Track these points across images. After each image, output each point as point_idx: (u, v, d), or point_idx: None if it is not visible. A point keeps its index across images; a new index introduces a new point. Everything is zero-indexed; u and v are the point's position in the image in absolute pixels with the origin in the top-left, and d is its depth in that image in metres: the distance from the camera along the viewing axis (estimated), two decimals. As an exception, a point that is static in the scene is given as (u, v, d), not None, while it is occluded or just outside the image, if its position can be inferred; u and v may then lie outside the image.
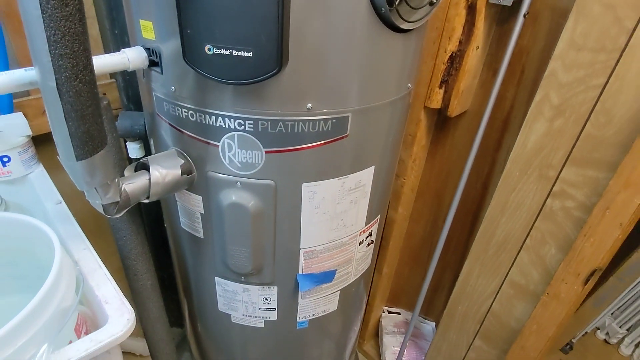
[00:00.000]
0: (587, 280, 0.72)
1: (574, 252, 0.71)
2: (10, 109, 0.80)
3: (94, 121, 0.49)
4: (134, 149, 0.81)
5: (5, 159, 0.75)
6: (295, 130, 0.57)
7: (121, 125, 0.77)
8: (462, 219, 1.06)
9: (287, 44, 0.48)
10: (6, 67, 0.79)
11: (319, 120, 0.57)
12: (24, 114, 0.88)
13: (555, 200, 0.73)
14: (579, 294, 0.75)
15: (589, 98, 0.64)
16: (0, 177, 0.76)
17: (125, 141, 0.82)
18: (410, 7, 0.53)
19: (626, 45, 0.58)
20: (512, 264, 0.84)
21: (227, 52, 0.48)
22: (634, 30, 0.57)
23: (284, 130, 0.57)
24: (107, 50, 0.90)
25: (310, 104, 0.55)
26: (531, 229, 0.78)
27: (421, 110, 0.88)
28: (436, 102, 0.85)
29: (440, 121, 0.96)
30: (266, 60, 0.48)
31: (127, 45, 0.82)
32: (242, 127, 0.57)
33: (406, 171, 0.99)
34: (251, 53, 0.48)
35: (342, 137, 0.60)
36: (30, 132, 0.78)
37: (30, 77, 0.50)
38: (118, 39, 0.79)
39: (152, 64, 0.58)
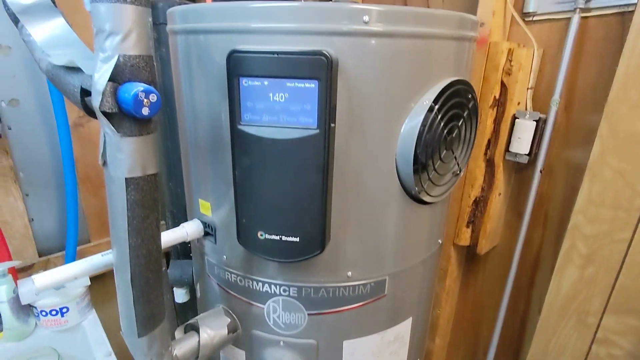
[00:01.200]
0: None
1: (632, 407, 0.67)
2: (74, 258, 0.89)
3: (157, 302, 0.54)
4: (180, 294, 0.86)
5: (64, 310, 0.81)
6: (337, 295, 0.61)
7: (172, 274, 0.83)
8: (504, 355, 1.02)
9: (329, 229, 0.55)
10: (76, 221, 0.89)
11: (359, 285, 0.61)
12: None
13: (600, 347, 0.71)
14: None
15: (617, 250, 0.66)
16: (57, 327, 0.81)
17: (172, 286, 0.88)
18: (436, 185, 0.60)
19: (643, 206, 0.62)
20: (566, 413, 0.78)
21: (277, 237, 0.54)
22: (647, 194, 0.61)
23: (325, 295, 0.61)
24: (163, 215, 1.00)
25: (350, 272, 0.60)
26: (580, 376, 0.75)
27: (451, 246, 0.92)
28: (465, 240, 0.89)
29: (470, 254, 0.98)
30: (311, 243, 0.54)
31: (182, 210, 0.93)
32: (287, 292, 0.61)
33: (441, 303, 1.00)
34: (298, 238, 0.54)
35: (380, 297, 0.64)
36: (89, 282, 0.84)
37: (105, 262, 0.57)
38: (175, 211, 0.90)
39: (207, 234, 0.66)
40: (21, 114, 0.79)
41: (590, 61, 0.72)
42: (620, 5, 0.67)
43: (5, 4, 0.50)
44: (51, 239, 0.92)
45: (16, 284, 0.79)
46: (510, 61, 0.75)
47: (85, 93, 0.45)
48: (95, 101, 0.40)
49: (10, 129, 0.78)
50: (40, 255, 0.91)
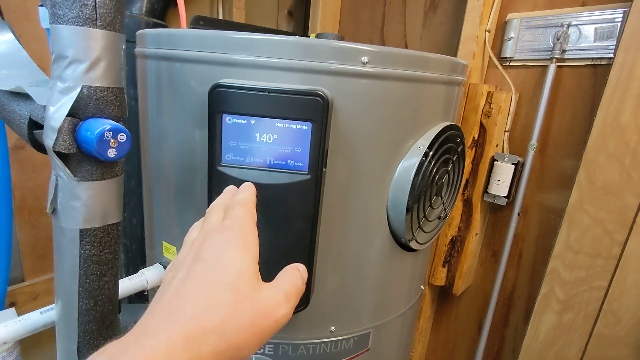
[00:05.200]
0: None
1: None
2: (2, 305, 0.76)
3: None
4: (131, 345, 0.76)
5: (-14, 368, 0.68)
6: (317, 352, 0.55)
7: (123, 321, 0.73)
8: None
9: (314, 281, 0.49)
10: (8, 256, 0.77)
11: (341, 340, 0.56)
12: (14, 302, 0.83)
13: (578, 394, 0.70)
14: None
15: (595, 298, 0.66)
16: (-25, 389, 0.68)
17: (122, 333, 0.77)
18: (425, 231, 0.57)
19: (621, 255, 0.62)
20: None
21: (256, 291, 0.48)
22: (625, 243, 0.62)
23: (305, 353, 0.55)
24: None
25: (333, 327, 0.55)
26: None
27: (426, 285, 0.89)
28: (440, 280, 0.87)
29: (443, 292, 0.96)
30: (294, 299, 0.48)
31: (137, 242, 0.83)
32: (262, 350, 0.55)
33: (413, 343, 0.96)
34: (280, 293, 0.48)
35: (364, 352, 0.59)
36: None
37: (45, 321, 0.48)
38: (129, 243, 0.81)
39: (170, 281, 0.58)
40: (-52, 134, 0.68)
41: (564, 108, 0.74)
42: (593, 58, 0.70)
43: (-64, 13, 0.42)
44: (-24, 279, 0.78)
45: None
46: (490, 104, 0.75)
47: (35, 125, 0.37)
48: (49, 139, 0.33)
49: None
50: (-40, 298, 0.77)
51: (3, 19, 0.46)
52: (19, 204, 0.78)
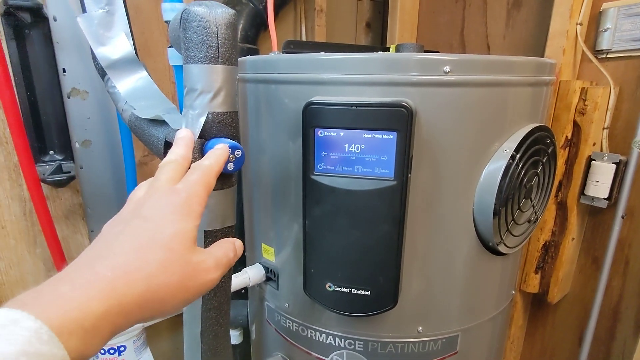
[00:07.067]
0: None
1: None
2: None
3: (224, 355, 0.53)
4: (233, 336, 0.85)
5: (122, 349, 0.82)
6: (405, 351, 0.57)
7: (226, 315, 0.82)
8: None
9: (401, 283, 0.52)
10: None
11: (429, 341, 0.57)
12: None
13: None
14: None
15: None
16: (114, 365, 0.82)
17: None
18: (514, 235, 0.56)
19: None
20: None
21: (347, 290, 0.52)
22: None
23: (394, 351, 0.57)
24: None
25: (421, 328, 0.56)
26: None
27: (517, 292, 0.86)
28: (533, 287, 0.83)
29: (537, 300, 0.92)
30: (383, 297, 0.51)
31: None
32: (352, 346, 0.58)
33: (505, 352, 0.92)
34: (369, 292, 0.51)
35: (452, 354, 0.59)
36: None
37: (173, 308, 0.57)
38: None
39: (268, 279, 0.64)
40: (92, 153, 0.83)
41: (675, 100, 0.67)
42: None
43: (94, 59, 0.53)
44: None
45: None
46: (584, 100, 0.71)
47: (169, 145, 0.46)
48: (182, 157, 0.40)
49: (81, 168, 0.82)
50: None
51: (139, 59, 0.56)
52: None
